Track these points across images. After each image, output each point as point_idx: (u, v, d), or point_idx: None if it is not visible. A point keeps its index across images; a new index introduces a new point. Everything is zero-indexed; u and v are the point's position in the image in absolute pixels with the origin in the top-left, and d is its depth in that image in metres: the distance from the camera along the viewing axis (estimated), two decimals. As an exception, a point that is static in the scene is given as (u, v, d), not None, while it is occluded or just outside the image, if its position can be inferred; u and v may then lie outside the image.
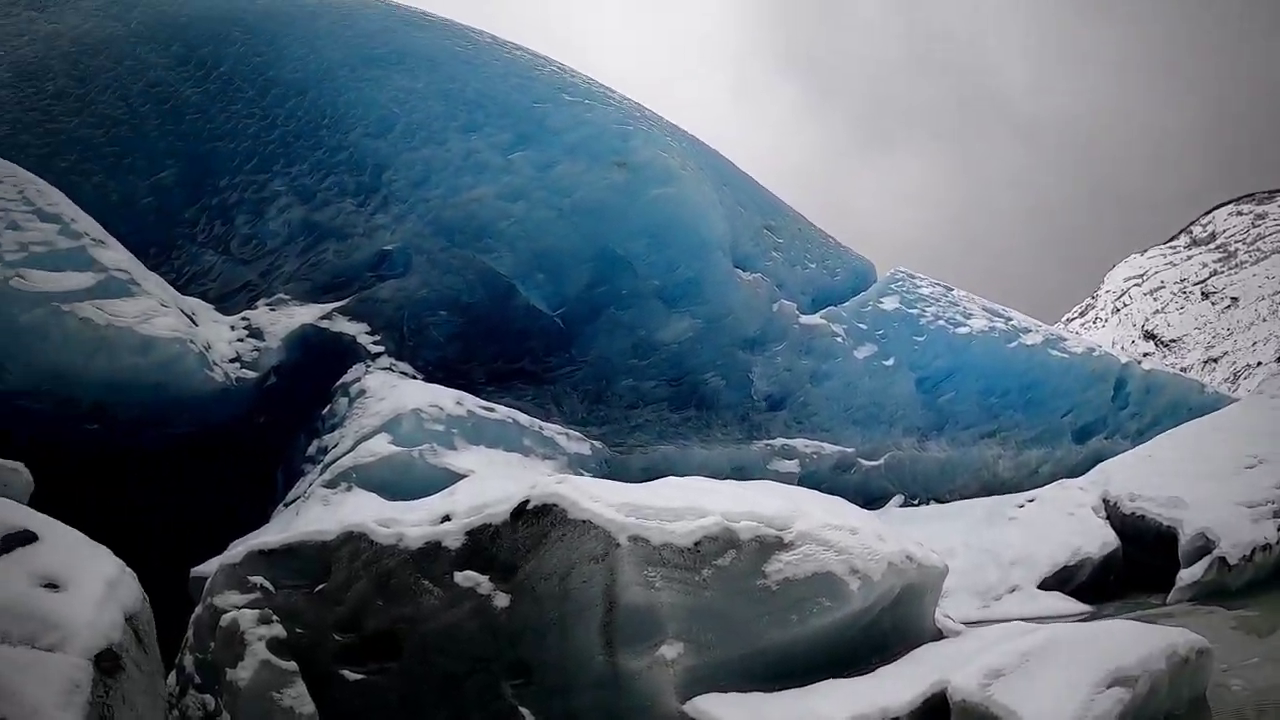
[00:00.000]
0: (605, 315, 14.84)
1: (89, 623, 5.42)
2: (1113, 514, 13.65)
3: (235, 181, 15.19)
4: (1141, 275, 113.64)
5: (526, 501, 7.11)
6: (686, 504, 7.10)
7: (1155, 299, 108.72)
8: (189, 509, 13.62)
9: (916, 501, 16.90)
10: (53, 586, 5.75)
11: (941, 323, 18.32)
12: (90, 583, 5.79)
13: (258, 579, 8.16)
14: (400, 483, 10.57)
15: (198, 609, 8.33)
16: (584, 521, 6.79)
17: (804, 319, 16.69)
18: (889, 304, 18.18)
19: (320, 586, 7.96)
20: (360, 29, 16.00)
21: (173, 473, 13.69)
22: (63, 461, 11.78)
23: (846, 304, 17.92)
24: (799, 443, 15.75)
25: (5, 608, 5.29)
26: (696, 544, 6.85)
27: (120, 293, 12.04)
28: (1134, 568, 13.11)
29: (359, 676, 7.29)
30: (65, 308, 11.51)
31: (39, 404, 11.79)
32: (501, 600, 7.04)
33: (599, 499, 6.94)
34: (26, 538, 6.03)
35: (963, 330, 18.39)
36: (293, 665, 7.36)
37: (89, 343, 11.52)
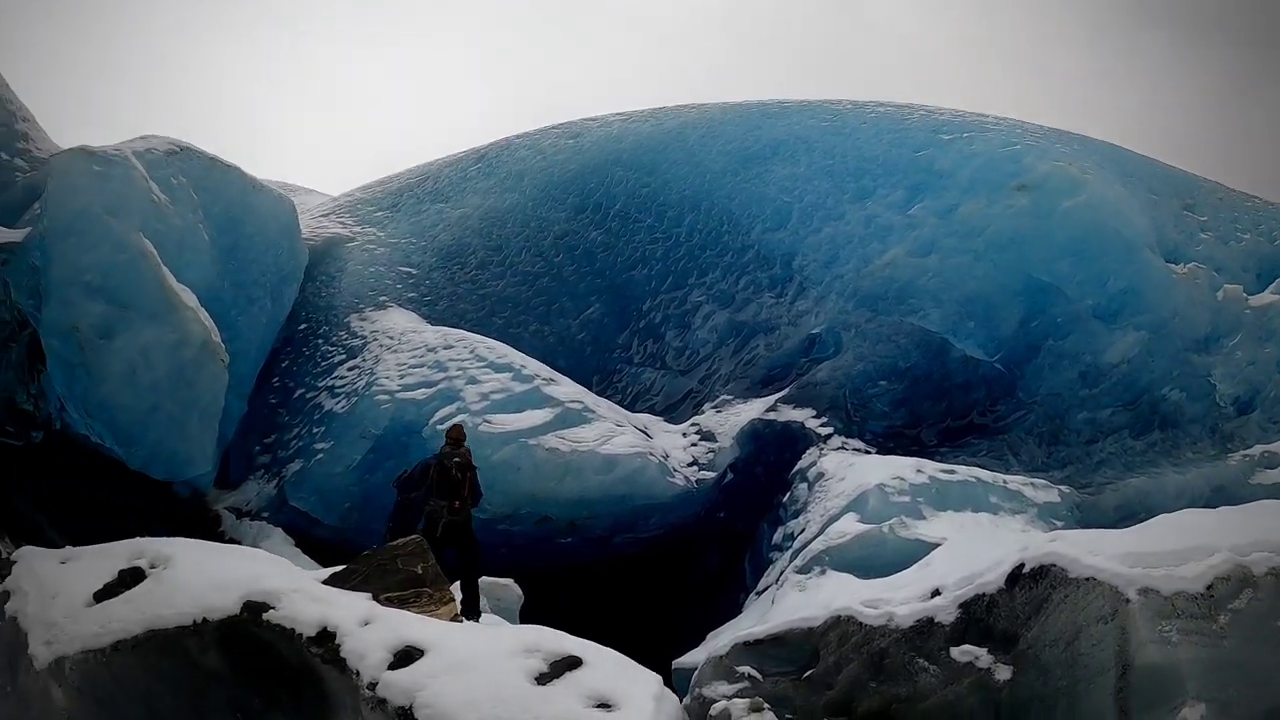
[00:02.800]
0: (1045, 349, 14.22)
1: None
2: None
3: (657, 302, 16.55)
4: None
5: (1021, 565, 6.97)
6: (1188, 543, 6.68)
7: None
8: (660, 604, 14.72)
9: None
10: (605, 707, 6.54)
11: None
12: (640, 701, 6.52)
13: (745, 668, 8.72)
14: (874, 560, 10.64)
15: (686, 699, 8.96)
16: (1087, 579, 6.55)
17: (1254, 300, 15.02)
18: (1345, 256, 15.89)
19: (809, 672, 8.32)
20: (728, 134, 16.99)
21: (642, 571, 14.85)
22: (543, 573, 13.40)
23: (1296, 270, 15.87)
24: None
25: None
26: (1209, 587, 6.41)
27: (577, 421, 13.75)
28: None
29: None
30: (532, 442, 13.40)
31: (518, 526, 13.62)
32: (1003, 673, 6.95)
33: (1098, 552, 6.67)
34: (573, 662, 6.93)
35: None
36: (785, 749, 7.73)
37: (557, 469, 13.28)
